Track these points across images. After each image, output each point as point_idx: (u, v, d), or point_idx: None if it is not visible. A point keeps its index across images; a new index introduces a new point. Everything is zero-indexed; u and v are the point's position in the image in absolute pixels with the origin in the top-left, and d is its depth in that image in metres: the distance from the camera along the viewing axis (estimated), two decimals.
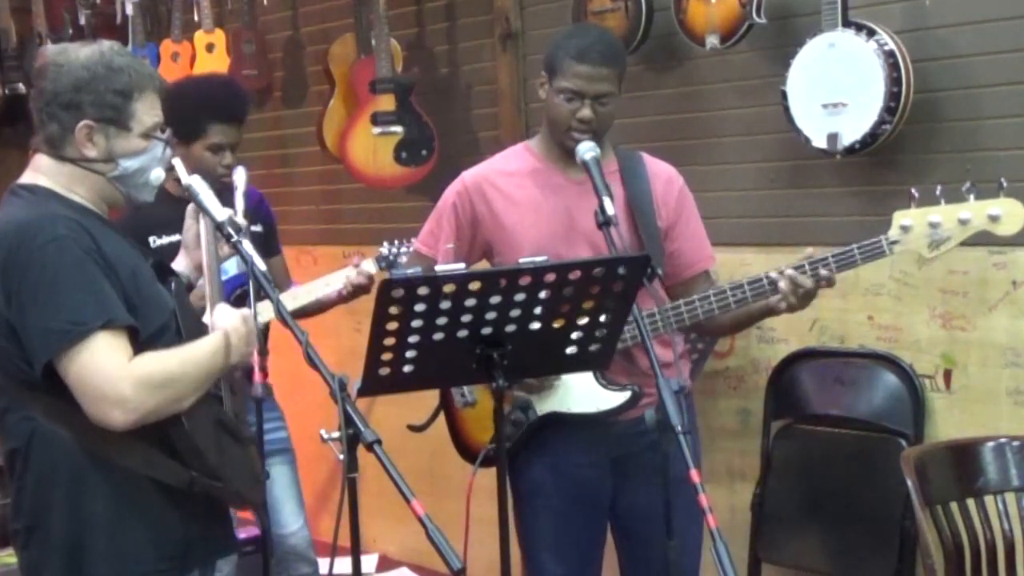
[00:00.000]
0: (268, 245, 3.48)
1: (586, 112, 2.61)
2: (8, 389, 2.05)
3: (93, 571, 2.07)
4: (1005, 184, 2.42)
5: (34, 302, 1.96)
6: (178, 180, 2.91)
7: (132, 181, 2.15)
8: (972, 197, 2.43)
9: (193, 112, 3.21)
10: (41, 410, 2.03)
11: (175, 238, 2.80)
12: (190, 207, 2.39)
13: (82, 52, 2.10)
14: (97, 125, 2.08)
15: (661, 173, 2.79)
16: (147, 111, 2.13)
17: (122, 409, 1.94)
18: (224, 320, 2.15)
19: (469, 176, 2.79)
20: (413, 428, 3.05)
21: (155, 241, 3.23)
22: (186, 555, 2.15)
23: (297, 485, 3.47)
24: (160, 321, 2.10)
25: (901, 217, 2.49)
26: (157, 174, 2.18)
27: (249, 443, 2.30)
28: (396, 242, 3.28)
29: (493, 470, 2.32)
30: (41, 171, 2.13)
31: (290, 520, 3.41)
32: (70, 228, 2.00)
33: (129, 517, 2.08)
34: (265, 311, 3.04)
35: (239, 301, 3.20)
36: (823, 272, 2.50)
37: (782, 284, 2.50)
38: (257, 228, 3.42)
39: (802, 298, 2.52)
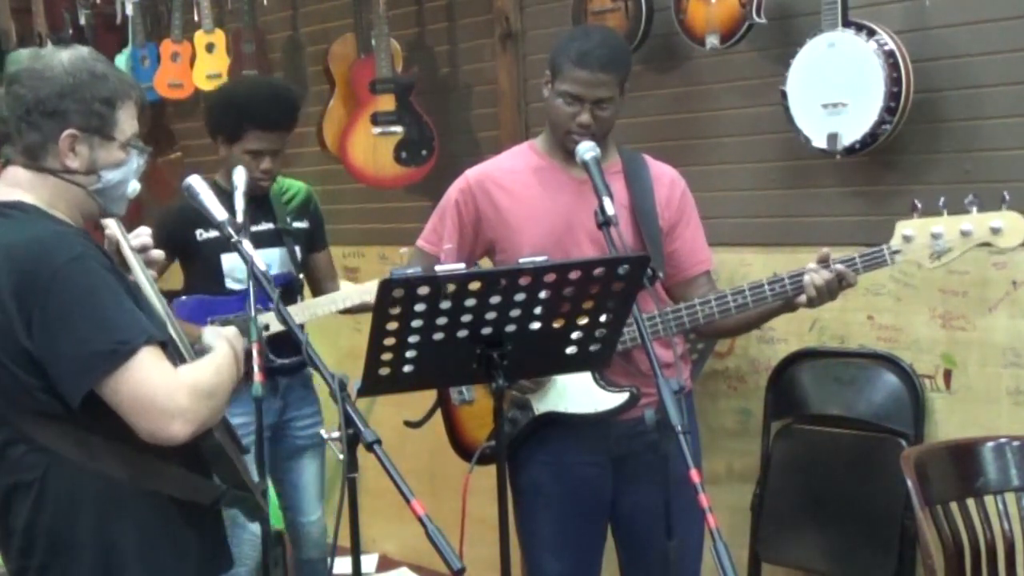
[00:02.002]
0: (314, 241, 3.54)
1: (585, 117, 2.61)
2: (12, 420, 1.93)
3: None
4: (1008, 197, 2.43)
5: (66, 327, 1.84)
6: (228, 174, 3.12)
7: (112, 194, 2.04)
8: (975, 209, 2.44)
9: (233, 115, 3.25)
10: (63, 441, 1.92)
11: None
12: (107, 232, 2.19)
13: (63, 56, 1.99)
14: (82, 135, 1.97)
15: (664, 175, 2.80)
16: (128, 120, 2.04)
17: (182, 420, 1.87)
18: (218, 336, 2.10)
19: (472, 174, 2.80)
20: (410, 424, 3.05)
21: (201, 235, 3.28)
22: (202, 573, 2.11)
23: (322, 479, 3.57)
24: (165, 335, 2.03)
25: (903, 227, 2.49)
26: (134, 187, 2.08)
27: (245, 451, 2.28)
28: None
29: (493, 469, 2.32)
30: (19, 185, 1.99)
31: (310, 508, 3.53)
32: (85, 245, 1.91)
33: (158, 542, 2.01)
34: (298, 313, 3.14)
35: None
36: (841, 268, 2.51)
37: (806, 278, 2.51)
38: (303, 224, 3.48)
39: (822, 294, 2.52)
